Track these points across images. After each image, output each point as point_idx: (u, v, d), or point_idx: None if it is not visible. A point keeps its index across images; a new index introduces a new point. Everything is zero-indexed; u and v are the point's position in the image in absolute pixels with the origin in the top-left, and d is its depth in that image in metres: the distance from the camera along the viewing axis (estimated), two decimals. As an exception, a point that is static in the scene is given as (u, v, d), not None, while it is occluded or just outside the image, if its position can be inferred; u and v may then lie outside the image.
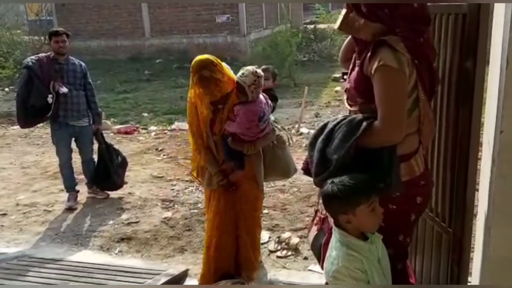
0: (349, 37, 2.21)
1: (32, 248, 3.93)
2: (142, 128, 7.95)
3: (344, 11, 1.97)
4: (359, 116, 1.91)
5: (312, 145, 2.03)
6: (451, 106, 2.17)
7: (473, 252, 2.34)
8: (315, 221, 2.24)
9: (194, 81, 2.91)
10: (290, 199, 4.66)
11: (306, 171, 2.13)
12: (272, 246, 3.69)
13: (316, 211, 2.27)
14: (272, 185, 4.88)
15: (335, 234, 1.88)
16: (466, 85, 2.06)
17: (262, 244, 3.70)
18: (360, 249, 1.82)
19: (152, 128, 7.95)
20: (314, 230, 2.22)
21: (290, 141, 3.59)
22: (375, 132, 1.85)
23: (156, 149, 6.64)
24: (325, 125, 2.02)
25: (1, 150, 6.92)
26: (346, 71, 2.18)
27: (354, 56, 2.08)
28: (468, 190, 2.15)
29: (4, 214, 4.62)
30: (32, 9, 17.65)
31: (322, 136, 1.97)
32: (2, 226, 4.37)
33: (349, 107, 2.08)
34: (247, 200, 3.09)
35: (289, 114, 8.59)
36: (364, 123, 1.86)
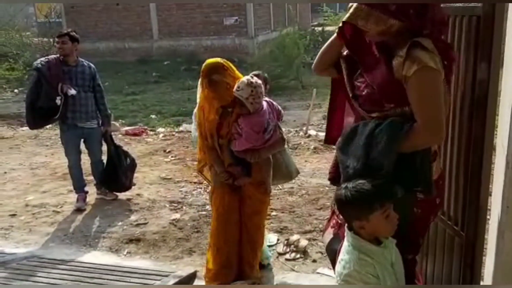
0: (328, 42, 2.15)
1: (42, 249, 3.94)
2: (150, 130, 7.96)
3: (353, 6, 1.89)
4: (396, 119, 1.86)
5: (344, 151, 1.96)
6: (465, 109, 2.15)
7: (485, 256, 2.31)
8: (331, 223, 2.21)
9: (203, 85, 2.90)
10: (298, 202, 4.64)
11: (335, 180, 2.05)
12: (280, 248, 3.68)
13: (333, 212, 2.24)
14: (280, 187, 4.86)
15: (348, 237, 1.87)
16: (480, 87, 2.03)
17: (271, 246, 3.69)
18: (373, 253, 1.81)
19: (160, 129, 7.96)
20: (329, 233, 2.19)
21: (288, 144, 3.59)
22: (417, 135, 1.81)
23: (164, 151, 6.65)
24: (355, 130, 1.95)
25: (10, 151, 6.96)
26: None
27: (344, 61, 2.07)
28: (481, 194, 2.13)
29: (14, 215, 4.64)
30: (41, 11, 17.79)
31: (362, 142, 1.89)
32: (12, 226, 4.39)
33: (366, 114, 1.99)
34: (251, 202, 3.08)
35: (297, 116, 8.58)
36: (406, 126, 1.82)
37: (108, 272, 3.40)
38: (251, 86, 2.83)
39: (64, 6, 15.81)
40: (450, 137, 2.25)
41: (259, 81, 2.90)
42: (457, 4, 2.12)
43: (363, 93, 1.97)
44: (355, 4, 1.88)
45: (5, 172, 5.96)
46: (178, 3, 15.65)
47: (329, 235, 2.20)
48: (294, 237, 3.77)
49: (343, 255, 1.87)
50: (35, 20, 18.57)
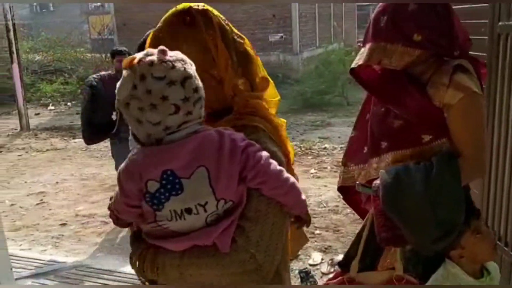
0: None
1: (89, 258, 4.05)
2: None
3: (368, 46, 1.70)
4: (442, 157, 1.63)
5: (395, 207, 1.66)
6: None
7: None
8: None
9: None
10: (343, 220, 4.55)
11: (393, 239, 1.72)
12: (324, 268, 3.61)
13: None
14: (325, 205, 4.80)
15: (447, 266, 1.70)
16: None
17: (314, 265, 3.63)
18: None
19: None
20: None
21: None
22: (465, 171, 1.61)
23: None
24: (398, 179, 1.65)
25: (63, 162, 7.25)
26: None
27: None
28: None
29: (64, 224, 4.80)
30: (95, 28, 18.61)
31: (422, 194, 1.59)
32: (62, 235, 4.54)
33: (390, 153, 1.75)
34: None
35: (341, 133, 8.47)
36: (456, 164, 1.61)
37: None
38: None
39: (117, 23, 16.45)
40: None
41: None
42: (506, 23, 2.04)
43: (394, 125, 1.74)
44: (368, 44, 1.70)
45: (57, 182, 6.21)
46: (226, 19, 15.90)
47: None
48: (339, 257, 3.69)
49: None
50: (88, 37, 19.42)
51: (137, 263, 1.17)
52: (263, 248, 1.12)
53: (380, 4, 1.71)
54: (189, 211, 1.09)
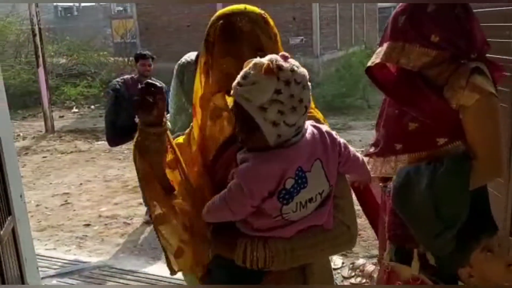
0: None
1: (112, 259, 4.12)
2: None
3: (386, 45, 1.71)
4: (453, 157, 1.64)
5: (402, 204, 1.70)
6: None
7: None
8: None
9: None
10: (364, 224, 4.49)
11: (398, 238, 1.78)
12: (345, 272, 3.60)
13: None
14: (346, 208, 4.77)
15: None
16: None
17: (335, 269, 3.62)
18: None
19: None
20: None
21: None
22: (477, 171, 1.62)
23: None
24: (408, 178, 1.68)
25: (86, 164, 7.38)
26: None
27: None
28: None
29: (88, 225, 4.89)
30: (118, 32, 18.90)
31: (426, 192, 1.62)
32: (86, 236, 4.63)
33: (405, 155, 1.75)
34: None
35: (362, 136, 8.42)
36: (467, 165, 1.62)
37: (173, 285, 3.48)
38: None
39: (139, 27, 16.68)
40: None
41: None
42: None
43: (409, 128, 1.73)
44: (386, 44, 1.72)
45: (81, 184, 6.33)
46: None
47: None
48: (360, 261, 3.68)
49: None
50: (111, 41, 19.72)
51: (247, 254, 1.24)
52: (352, 219, 1.33)
53: (400, 4, 1.71)
54: (311, 200, 1.23)
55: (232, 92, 1.18)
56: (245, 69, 1.16)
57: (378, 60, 1.73)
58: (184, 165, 1.39)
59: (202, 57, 1.35)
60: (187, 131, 1.49)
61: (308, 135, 1.22)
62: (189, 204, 1.38)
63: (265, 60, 1.14)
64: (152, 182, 1.36)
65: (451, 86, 1.65)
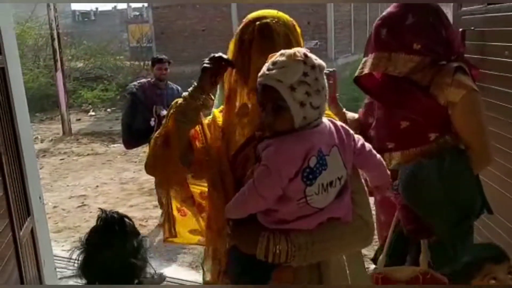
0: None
1: (128, 260, 4.16)
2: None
3: (372, 55, 1.87)
4: (452, 150, 1.79)
5: (415, 200, 1.78)
6: None
7: None
8: None
9: None
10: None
11: (419, 230, 1.82)
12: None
13: None
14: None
15: None
16: None
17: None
18: None
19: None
20: None
21: None
22: (475, 161, 1.79)
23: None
24: (413, 175, 1.78)
25: (103, 166, 7.48)
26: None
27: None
28: None
29: (104, 226, 4.95)
30: (134, 36, 19.11)
31: (439, 185, 1.72)
32: (102, 237, 4.68)
33: (398, 152, 1.87)
34: None
35: (377, 141, 8.39)
36: (465, 154, 1.79)
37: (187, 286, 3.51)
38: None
39: (155, 31, 16.85)
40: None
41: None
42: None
43: (401, 127, 1.86)
44: (372, 54, 1.87)
45: (97, 186, 6.42)
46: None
47: None
48: (368, 262, 3.66)
49: None
50: (127, 45, 19.94)
51: (270, 247, 1.25)
52: (369, 214, 1.35)
53: (379, 17, 1.89)
54: (331, 184, 1.26)
55: (259, 80, 1.25)
56: (271, 60, 1.25)
57: (367, 70, 1.88)
58: (207, 137, 1.45)
59: (233, 55, 1.43)
60: (214, 111, 1.50)
61: (324, 125, 1.29)
62: (205, 173, 1.43)
63: (290, 50, 1.25)
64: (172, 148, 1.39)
65: (438, 84, 1.80)
